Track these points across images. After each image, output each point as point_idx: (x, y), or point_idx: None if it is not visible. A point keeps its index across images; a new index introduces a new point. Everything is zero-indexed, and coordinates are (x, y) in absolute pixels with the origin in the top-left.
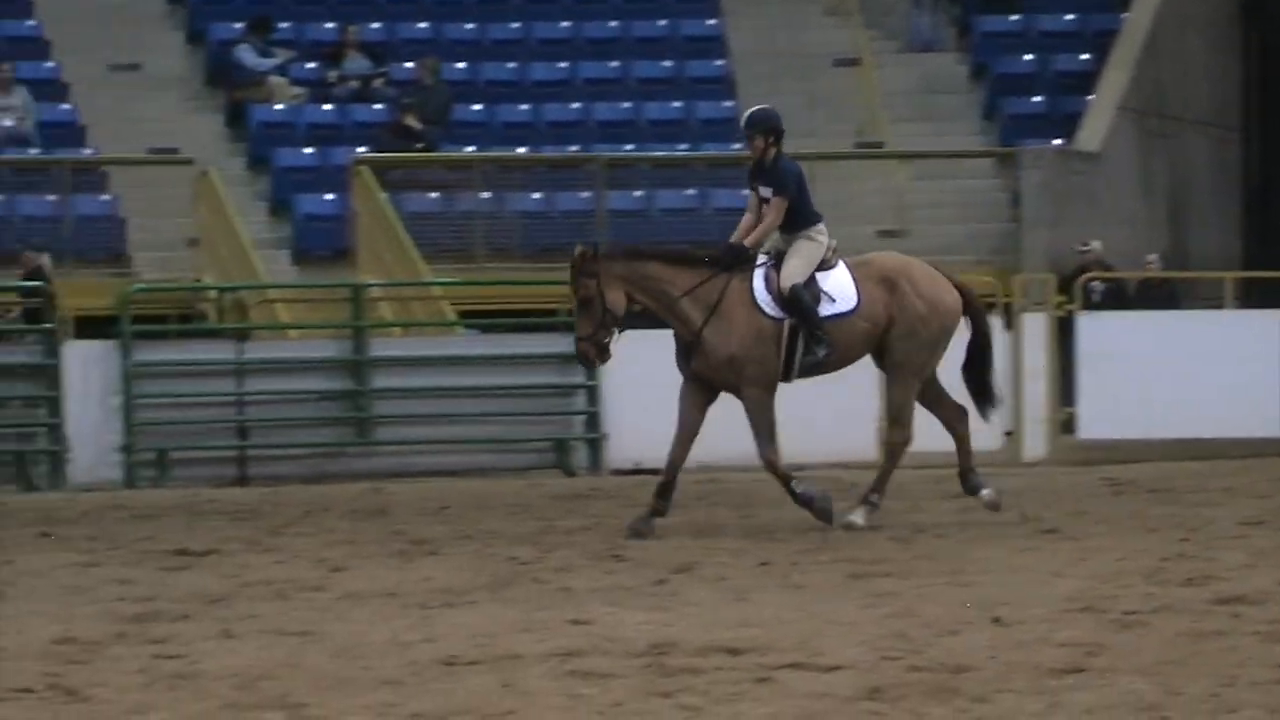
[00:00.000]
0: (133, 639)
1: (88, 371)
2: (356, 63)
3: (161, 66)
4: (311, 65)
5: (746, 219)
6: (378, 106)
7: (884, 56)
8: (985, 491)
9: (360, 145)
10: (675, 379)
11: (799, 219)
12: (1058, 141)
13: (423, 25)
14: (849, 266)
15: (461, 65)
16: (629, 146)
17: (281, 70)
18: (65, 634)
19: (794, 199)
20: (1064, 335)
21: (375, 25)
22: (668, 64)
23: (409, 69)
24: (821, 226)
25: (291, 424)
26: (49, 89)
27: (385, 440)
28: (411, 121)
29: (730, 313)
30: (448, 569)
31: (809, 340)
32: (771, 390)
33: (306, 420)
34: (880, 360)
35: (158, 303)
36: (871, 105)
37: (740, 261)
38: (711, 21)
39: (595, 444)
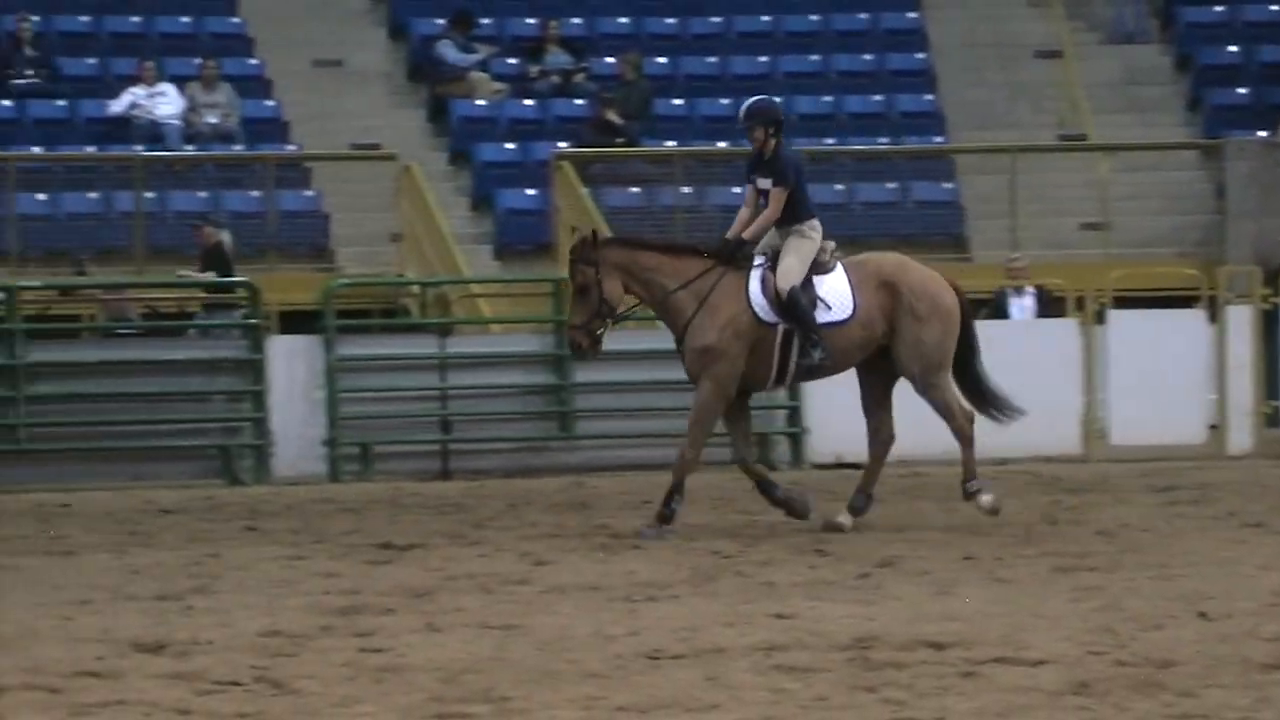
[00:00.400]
0: (339, 632)
1: (292, 366)
2: (557, 58)
3: (364, 62)
4: (512, 60)
5: (743, 213)
6: (579, 101)
7: (1086, 48)
8: (985, 498)
9: (561, 140)
10: None
11: (796, 211)
12: (1263, 133)
13: (623, 20)
14: (846, 269)
15: (662, 60)
16: (830, 140)
17: (483, 66)
18: (272, 627)
19: (793, 190)
20: (1270, 328)
21: (576, 20)
22: (868, 57)
23: (610, 64)
24: (816, 224)
25: (493, 418)
26: (253, 85)
27: (587, 434)
28: (612, 116)
29: (716, 305)
30: (651, 563)
31: (804, 344)
32: (728, 393)
33: (508, 414)
34: (876, 363)
35: (361, 297)
36: (1074, 97)
37: (739, 255)
38: (912, 14)
39: (796, 438)
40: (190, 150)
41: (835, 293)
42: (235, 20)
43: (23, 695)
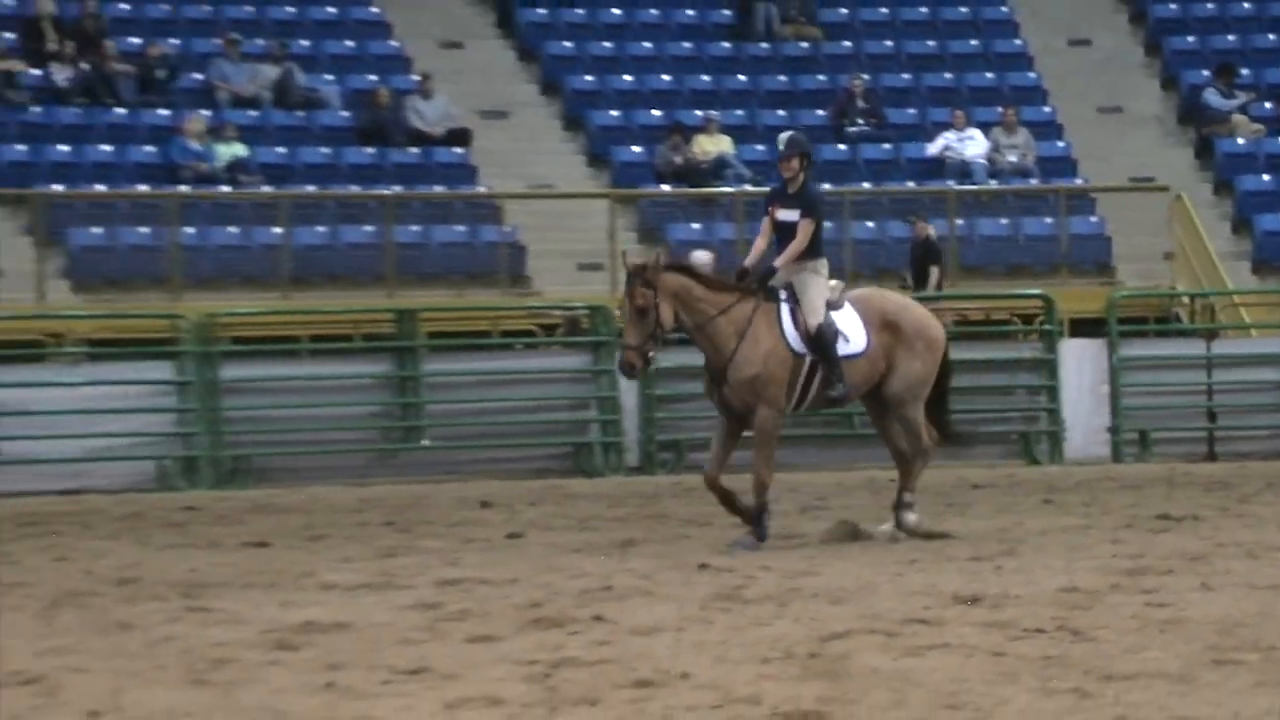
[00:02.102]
0: (1126, 589)
1: (1080, 365)
2: None
3: (1141, 108)
4: (1269, 105)
5: (759, 242)
6: None
7: None
8: (908, 516)
9: None
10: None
11: (814, 246)
12: None
13: None
14: (853, 305)
15: None
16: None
17: (1243, 109)
18: (1069, 584)
19: (820, 223)
20: None
21: None
22: None
23: None
24: (824, 262)
25: (1254, 409)
26: (1047, 129)
27: None
28: None
29: (757, 335)
30: None
31: (828, 379)
32: (782, 415)
33: (1267, 406)
34: (876, 392)
35: (1138, 307)
36: None
37: (769, 282)
38: None
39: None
40: (994, 184)
41: (850, 326)
42: (1031, 75)
43: (863, 638)
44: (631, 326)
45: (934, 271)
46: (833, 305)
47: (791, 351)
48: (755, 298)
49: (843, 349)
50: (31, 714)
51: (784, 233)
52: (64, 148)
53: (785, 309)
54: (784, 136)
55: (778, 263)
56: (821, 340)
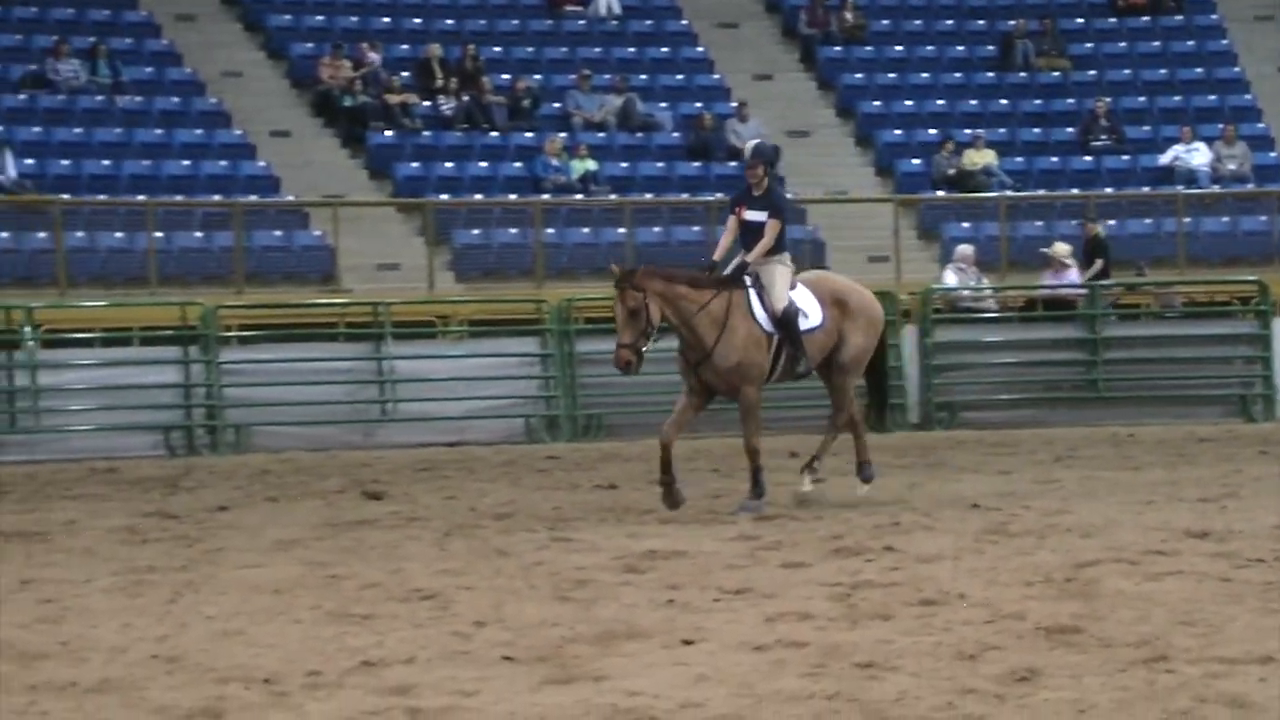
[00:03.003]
0: None
1: None
2: None
3: None
4: None
5: (724, 240)
6: None
7: None
8: (868, 477)
9: None
10: None
11: (778, 243)
12: None
13: None
14: (806, 286)
15: None
16: None
17: None
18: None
19: (785, 222)
20: None
21: None
22: None
23: None
24: (787, 255)
25: None
26: (1261, 142)
27: None
28: None
29: (735, 325)
30: None
31: (794, 356)
32: (761, 388)
33: None
34: (827, 361)
35: None
36: None
37: (741, 278)
38: None
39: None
40: (1216, 189)
41: (808, 305)
42: (1248, 97)
43: (1111, 566)
44: (624, 327)
45: (1098, 263)
46: (789, 286)
47: (764, 332)
48: (728, 291)
49: (803, 324)
50: (430, 623)
51: (750, 231)
52: (449, 165)
53: (753, 295)
54: (749, 146)
55: (749, 258)
56: (787, 321)
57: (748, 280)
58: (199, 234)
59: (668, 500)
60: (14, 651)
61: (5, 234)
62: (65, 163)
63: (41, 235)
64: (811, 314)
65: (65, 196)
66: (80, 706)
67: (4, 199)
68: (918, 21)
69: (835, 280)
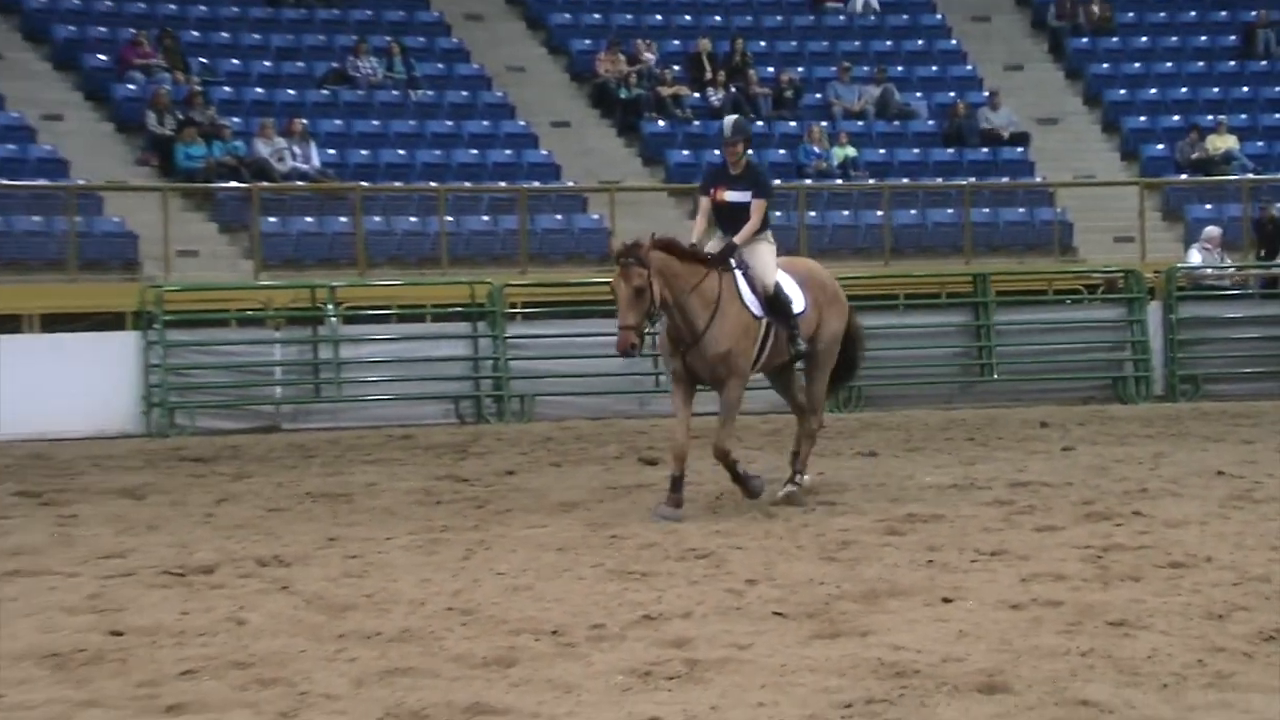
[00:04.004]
0: None
1: None
2: None
3: None
4: None
5: (700, 222)
6: None
7: None
8: (804, 478)
9: None
10: None
11: (765, 222)
12: None
13: None
14: (784, 270)
15: None
16: None
17: None
18: None
19: (770, 200)
20: None
21: None
22: None
23: None
24: (770, 233)
25: None
26: None
27: None
28: None
29: (726, 310)
30: None
31: (791, 336)
32: (747, 382)
33: None
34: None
35: None
36: None
37: (730, 259)
38: None
39: None
40: None
41: (791, 289)
42: None
43: None
44: (628, 307)
45: None
46: None
47: (754, 317)
48: (718, 271)
49: (794, 308)
50: (705, 580)
51: (730, 212)
52: (717, 152)
53: (740, 277)
54: (729, 122)
55: (738, 240)
56: (778, 300)
57: (733, 263)
58: (486, 218)
59: (672, 505)
60: (323, 603)
61: (310, 218)
62: (364, 153)
63: (343, 220)
64: (796, 298)
65: (364, 184)
66: (384, 654)
67: (309, 186)
68: (1162, 14)
69: (810, 264)
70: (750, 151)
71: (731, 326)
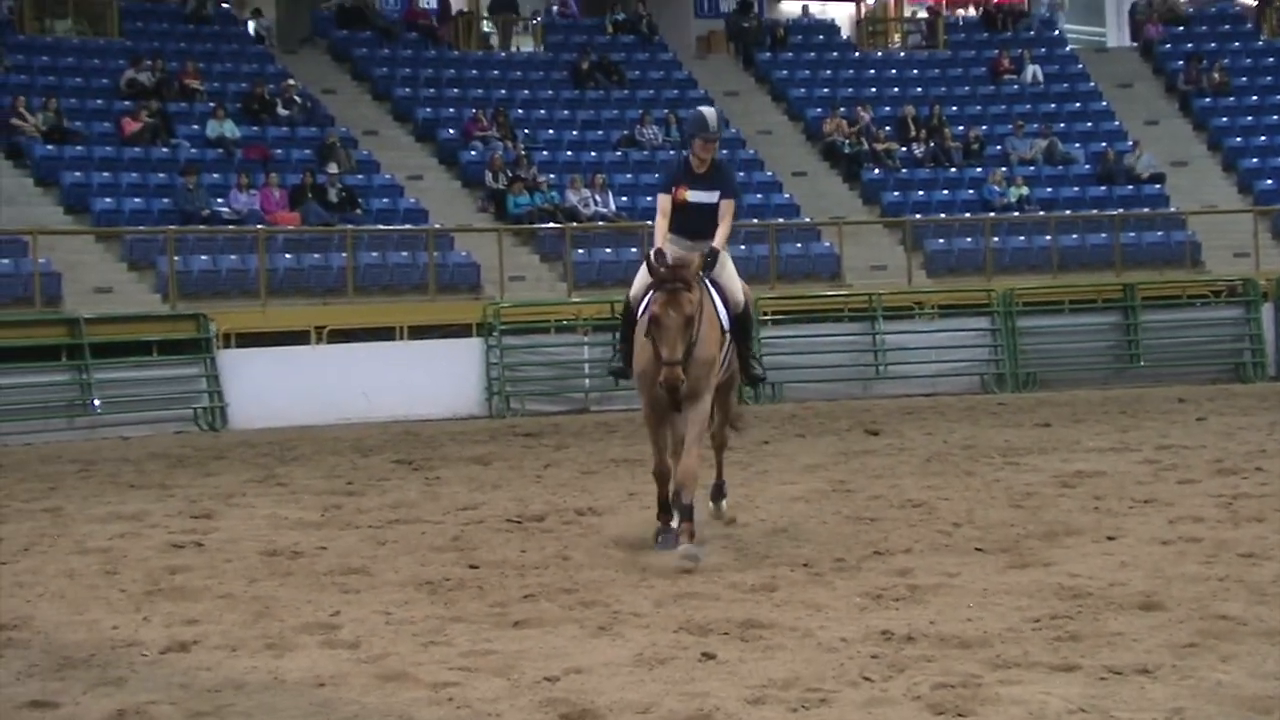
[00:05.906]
0: None
1: None
2: None
3: None
4: None
5: (661, 224)
6: None
7: None
8: (724, 503)
9: None
10: None
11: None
12: None
13: None
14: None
15: None
16: None
17: None
18: None
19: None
20: None
21: None
22: None
23: None
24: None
25: None
26: None
27: None
28: None
29: (710, 317)
30: None
31: (753, 357)
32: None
33: None
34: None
35: None
36: None
37: (714, 266)
38: None
39: None
40: None
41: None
42: None
43: None
44: (678, 338)
45: None
46: None
47: (723, 330)
48: (698, 284)
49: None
50: (920, 524)
51: (695, 214)
52: (920, 193)
53: (711, 289)
54: (712, 114)
55: (716, 244)
56: (747, 315)
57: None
58: (742, 246)
59: (685, 536)
60: (627, 543)
61: (608, 250)
62: (649, 199)
63: (633, 250)
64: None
65: (648, 223)
66: (675, 582)
67: (607, 225)
68: (1269, 78)
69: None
70: (724, 151)
71: (713, 336)
